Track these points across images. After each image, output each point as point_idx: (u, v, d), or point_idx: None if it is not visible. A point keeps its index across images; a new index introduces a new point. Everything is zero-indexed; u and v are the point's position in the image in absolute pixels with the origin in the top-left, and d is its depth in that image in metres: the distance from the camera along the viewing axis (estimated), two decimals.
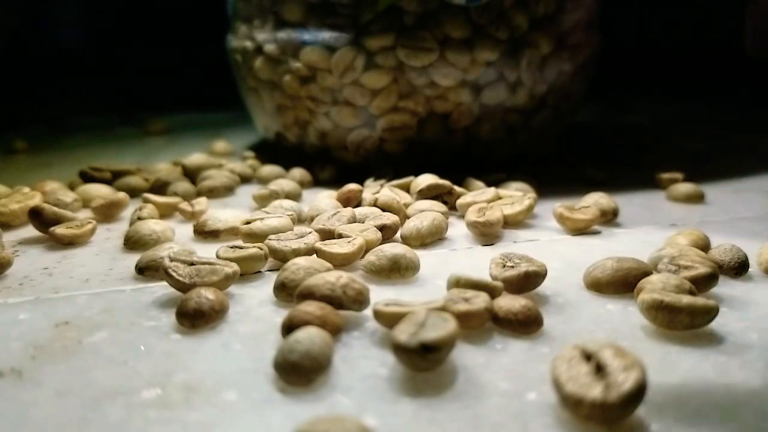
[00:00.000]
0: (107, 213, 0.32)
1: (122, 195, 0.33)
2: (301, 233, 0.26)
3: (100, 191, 0.35)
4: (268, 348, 0.19)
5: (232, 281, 0.23)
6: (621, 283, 0.22)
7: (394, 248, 0.24)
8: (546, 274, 0.22)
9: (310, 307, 0.19)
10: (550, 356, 0.17)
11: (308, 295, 0.20)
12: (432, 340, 0.17)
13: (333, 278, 0.20)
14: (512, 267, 0.22)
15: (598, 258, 0.23)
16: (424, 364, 0.17)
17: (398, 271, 0.24)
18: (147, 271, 0.24)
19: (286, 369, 0.17)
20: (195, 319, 0.20)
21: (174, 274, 0.22)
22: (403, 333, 0.17)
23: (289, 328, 0.19)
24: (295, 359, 0.17)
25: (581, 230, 0.30)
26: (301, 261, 0.22)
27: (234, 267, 0.23)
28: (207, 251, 0.26)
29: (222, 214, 0.30)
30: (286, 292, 0.22)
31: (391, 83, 0.37)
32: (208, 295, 0.21)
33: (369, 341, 0.19)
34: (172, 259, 0.23)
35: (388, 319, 0.19)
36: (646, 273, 0.22)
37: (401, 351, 0.17)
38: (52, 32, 0.76)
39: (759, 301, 0.22)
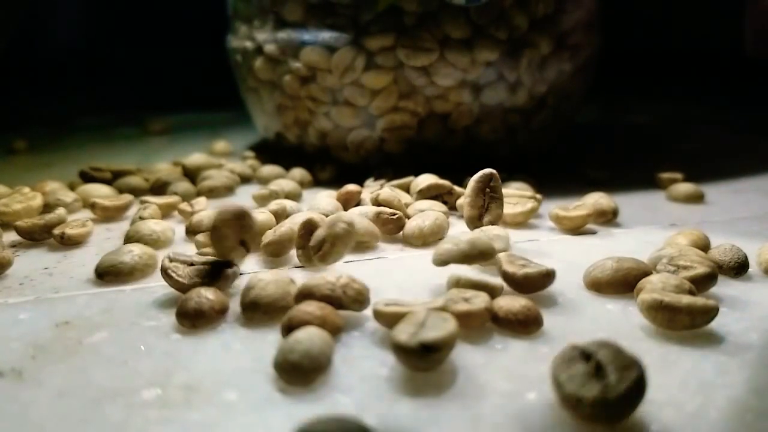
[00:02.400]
0: (111, 215, 0.33)
1: (127, 199, 0.33)
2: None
3: (100, 191, 0.36)
4: (268, 348, 0.19)
5: (232, 281, 0.23)
6: (621, 283, 0.22)
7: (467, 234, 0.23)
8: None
9: (310, 307, 0.19)
10: (550, 356, 0.17)
11: (308, 295, 0.20)
12: (432, 340, 0.17)
13: (333, 278, 0.20)
14: (524, 266, 0.22)
15: (598, 258, 0.23)
16: (424, 364, 0.17)
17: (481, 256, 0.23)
18: (106, 276, 0.24)
19: (286, 369, 0.17)
20: (195, 319, 0.20)
21: (173, 275, 0.22)
22: (403, 333, 0.17)
23: (288, 327, 0.19)
24: (295, 359, 0.17)
25: (578, 228, 0.30)
26: (265, 275, 0.21)
27: (234, 267, 0.23)
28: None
29: (209, 213, 0.29)
30: (261, 311, 0.20)
31: (391, 83, 0.37)
32: (208, 295, 0.21)
33: (369, 341, 0.19)
34: (171, 260, 0.22)
35: (388, 319, 0.19)
36: (646, 273, 0.22)
37: (401, 351, 0.17)
38: (53, 32, 0.76)
39: (759, 301, 0.22)
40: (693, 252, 0.24)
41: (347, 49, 0.37)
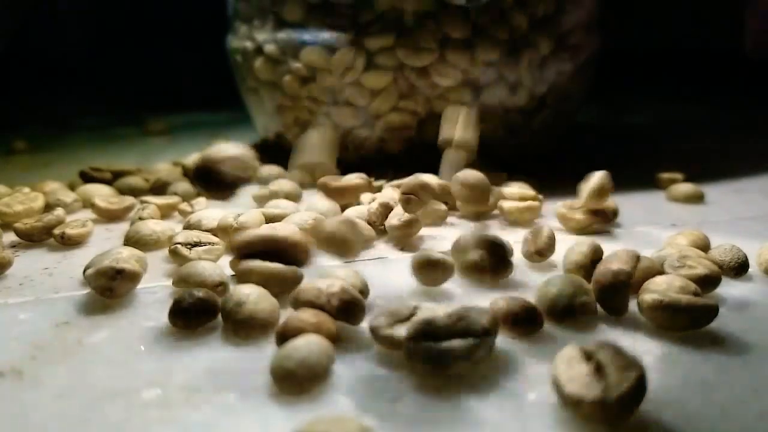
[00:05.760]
0: (111, 217, 0.33)
1: (128, 201, 0.33)
2: None
3: (100, 191, 0.35)
4: (268, 348, 0.19)
5: None
6: (638, 283, 0.22)
7: None
8: None
9: (305, 314, 0.18)
10: (550, 356, 0.17)
11: (296, 299, 0.20)
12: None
13: (324, 285, 0.19)
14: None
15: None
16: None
17: None
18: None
19: (280, 376, 0.16)
20: (188, 320, 0.20)
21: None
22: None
23: (282, 336, 0.18)
24: (291, 366, 0.16)
25: (584, 229, 0.30)
26: (249, 289, 0.21)
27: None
28: None
29: (208, 212, 0.29)
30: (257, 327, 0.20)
31: (391, 83, 0.37)
32: (200, 295, 0.20)
33: (369, 340, 0.19)
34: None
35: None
36: (660, 273, 0.22)
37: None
38: (53, 33, 0.76)
39: (759, 301, 0.22)
40: (694, 252, 0.24)
41: (347, 49, 0.37)
